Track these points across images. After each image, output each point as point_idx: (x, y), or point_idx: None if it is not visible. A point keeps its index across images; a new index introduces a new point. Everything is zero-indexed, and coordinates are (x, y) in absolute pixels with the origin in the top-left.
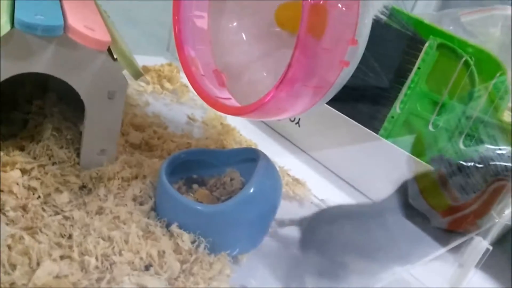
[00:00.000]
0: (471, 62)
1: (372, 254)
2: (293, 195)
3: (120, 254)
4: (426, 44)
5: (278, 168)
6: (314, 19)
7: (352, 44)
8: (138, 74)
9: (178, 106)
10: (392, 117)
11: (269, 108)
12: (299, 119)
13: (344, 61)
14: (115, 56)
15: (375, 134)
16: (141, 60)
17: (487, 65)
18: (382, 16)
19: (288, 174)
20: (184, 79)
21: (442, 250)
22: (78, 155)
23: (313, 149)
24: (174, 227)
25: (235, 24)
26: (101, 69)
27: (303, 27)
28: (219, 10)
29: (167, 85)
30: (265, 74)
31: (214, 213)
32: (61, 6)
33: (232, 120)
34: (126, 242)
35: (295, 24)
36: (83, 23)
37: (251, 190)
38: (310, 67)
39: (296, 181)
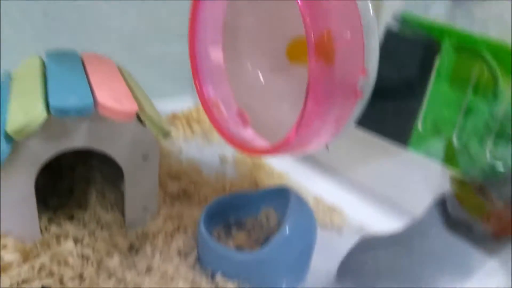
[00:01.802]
0: (490, 59)
1: (419, 275)
2: (330, 223)
3: None
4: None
5: (312, 198)
6: (321, 49)
7: (363, 74)
8: (166, 135)
9: (210, 148)
10: (419, 126)
11: (293, 146)
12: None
13: (358, 90)
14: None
15: (404, 147)
16: (168, 104)
17: (508, 59)
18: (393, 26)
19: (323, 202)
20: None
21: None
22: (123, 215)
23: (345, 171)
24: (218, 277)
25: (249, 63)
26: (132, 136)
27: (312, 57)
28: (233, 51)
29: (196, 127)
30: (287, 109)
31: (252, 261)
32: (88, 81)
33: None
34: None
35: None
36: (110, 97)
37: (286, 233)
38: (326, 100)
39: (332, 209)
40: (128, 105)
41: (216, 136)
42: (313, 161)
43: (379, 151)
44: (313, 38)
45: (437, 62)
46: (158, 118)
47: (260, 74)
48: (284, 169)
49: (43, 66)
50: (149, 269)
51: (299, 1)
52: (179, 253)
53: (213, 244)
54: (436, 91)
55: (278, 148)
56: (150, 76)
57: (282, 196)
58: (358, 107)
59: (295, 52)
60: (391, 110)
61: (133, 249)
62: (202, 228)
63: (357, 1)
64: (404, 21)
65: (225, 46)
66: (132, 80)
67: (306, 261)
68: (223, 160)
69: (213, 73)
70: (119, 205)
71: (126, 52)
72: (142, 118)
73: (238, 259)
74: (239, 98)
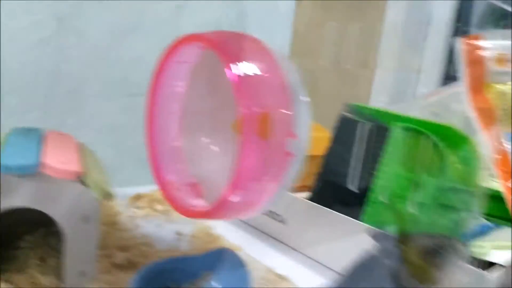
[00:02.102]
0: (436, 139)
1: None
2: None
3: None
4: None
5: (264, 268)
6: (257, 125)
7: (293, 137)
8: (106, 196)
9: (169, 225)
10: (374, 202)
11: (231, 207)
12: (284, 217)
13: (288, 152)
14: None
15: (359, 222)
16: (137, 189)
17: (453, 139)
18: (347, 114)
19: (274, 272)
20: None
21: None
22: (62, 280)
23: (301, 245)
24: None
25: (207, 139)
26: (74, 197)
27: (246, 131)
28: (192, 128)
29: (159, 207)
30: None
31: None
32: (42, 148)
33: (220, 229)
34: None
35: None
36: (57, 160)
37: None
38: (258, 164)
39: (280, 277)
40: (72, 166)
41: (177, 215)
42: (271, 236)
43: (336, 225)
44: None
45: (387, 143)
46: (103, 181)
47: (217, 148)
48: (239, 242)
49: (6, 137)
50: None
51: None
52: None
53: None
54: (388, 169)
55: (215, 210)
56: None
57: (222, 259)
58: (292, 168)
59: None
60: (345, 188)
61: None
62: None
63: (285, 72)
64: (356, 110)
65: (182, 125)
66: (91, 155)
67: None
68: (179, 234)
69: (170, 156)
70: (59, 269)
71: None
72: (86, 182)
73: None
74: (195, 170)
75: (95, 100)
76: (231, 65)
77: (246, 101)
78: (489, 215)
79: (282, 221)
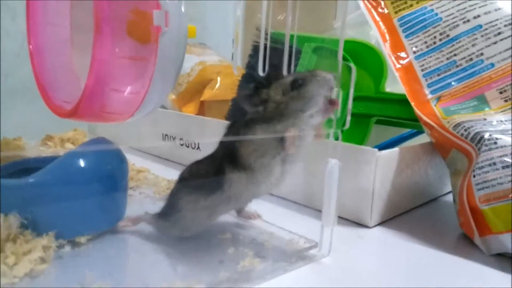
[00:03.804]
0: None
1: None
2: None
3: None
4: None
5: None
6: None
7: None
8: None
9: None
10: None
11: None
12: (198, 144)
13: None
14: None
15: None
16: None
17: (364, 53)
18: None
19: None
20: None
21: None
22: None
23: None
24: None
25: None
26: None
27: None
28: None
29: (70, 146)
30: None
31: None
32: None
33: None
34: None
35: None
36: None
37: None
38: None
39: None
40: None
41: None
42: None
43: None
44: None
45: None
46: None
47: None
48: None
49: None
50: None
51: None
52: None
53: None
54: None
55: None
56: None
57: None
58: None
59: None
60: None
61: None
62: None
63: None
64: (273, 37)
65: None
66: None
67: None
68: None
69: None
70: None
71: None
72: None
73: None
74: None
75: None
76: None
77: None
78: (399, 118)
79: (198, 148)
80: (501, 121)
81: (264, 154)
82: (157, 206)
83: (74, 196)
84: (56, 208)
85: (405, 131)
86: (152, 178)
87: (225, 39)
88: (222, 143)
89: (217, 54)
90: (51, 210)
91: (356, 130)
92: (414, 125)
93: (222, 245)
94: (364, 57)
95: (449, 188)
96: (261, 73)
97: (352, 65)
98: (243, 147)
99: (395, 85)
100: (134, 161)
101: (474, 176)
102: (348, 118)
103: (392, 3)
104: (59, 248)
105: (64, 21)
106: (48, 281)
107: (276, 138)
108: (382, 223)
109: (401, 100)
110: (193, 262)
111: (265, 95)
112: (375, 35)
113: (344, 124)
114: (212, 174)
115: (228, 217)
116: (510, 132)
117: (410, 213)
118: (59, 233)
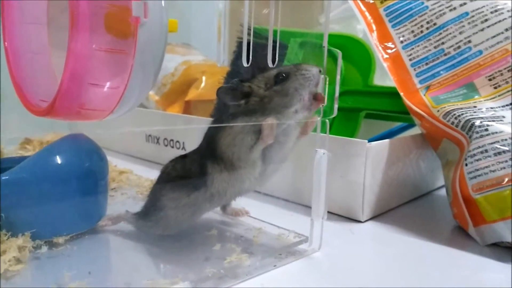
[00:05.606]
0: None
1: None
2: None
3: None
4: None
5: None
6: None
7: None
8: None
9: None
10: None
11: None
12: (183, 144)
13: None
14: None
15: None
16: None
17: (351, 47)
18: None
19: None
20: None
21: None
22: None
23: None
24: None
25: None
26: None
27: None
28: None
29: None
30: None
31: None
32: None
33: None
34: None
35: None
36: None
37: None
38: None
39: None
40: None
41: None
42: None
43: None
44: None
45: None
46: None
47: None
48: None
49: None
50: None
51: None
52: None
53: None
54: None
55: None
56: None
57: None
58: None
59: None
60: None
61: None
62: None
63: None
64: (256, 33)
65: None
66: None
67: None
68: None
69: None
70: None
71: None
72: None
73: None
74: None
75: None
76: None
77: None
78: (388, 111)
79: (183, 148)
80: (491, 108)
81: (242, 145)
82: (139, 206)
83: (51, 194)
84: (32, 207)
85: (395, 125)
86: (135, 179)
87: (210, 39)
88: (204, 141)
89: (202, 54)
90: (27, 209)
91: (345, 125)
92: (404, 118)
93: (208, 242)
94: (351, 51)
95: (441, 182)
96: (245, 63)
97: (338, 51)
98: (221, 139)
99: (383, 79)
100: (116, 162)
101: (466, 165)
102: (336, 106)
103: None
104: (35, 249)
105: (41, 20)
106: (24, 282)
107: (254, 129)
108: (375, 217)
109: (390, 93)
110: (177, 260)
111: (248, 88)
112: (362, 26)
113: (331, 112)
114: (195, 170)
115: (213, 214)
116: (501, 118)
117: (403, 207)
118: (35, 233)
